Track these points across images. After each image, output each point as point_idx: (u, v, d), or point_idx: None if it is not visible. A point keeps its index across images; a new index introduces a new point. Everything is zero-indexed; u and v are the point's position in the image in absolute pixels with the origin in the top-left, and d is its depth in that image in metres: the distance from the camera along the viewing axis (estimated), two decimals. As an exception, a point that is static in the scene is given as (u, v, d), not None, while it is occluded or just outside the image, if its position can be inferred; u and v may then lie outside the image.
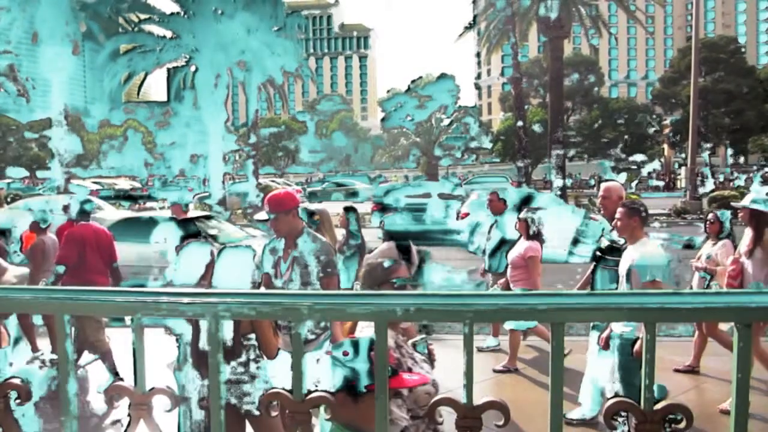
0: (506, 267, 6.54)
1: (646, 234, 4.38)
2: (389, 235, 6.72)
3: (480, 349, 6.85)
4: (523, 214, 6.47)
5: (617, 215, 4.44)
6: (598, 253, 4.99)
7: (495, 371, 6.25)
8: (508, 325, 5.99)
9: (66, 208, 6.15)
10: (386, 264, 2.57)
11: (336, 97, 78.13)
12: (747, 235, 5.50)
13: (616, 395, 3.54)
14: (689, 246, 9.47)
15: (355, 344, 1.66)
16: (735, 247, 5.80)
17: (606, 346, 4.38)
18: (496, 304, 1.36)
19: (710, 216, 6.44)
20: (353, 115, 77.47)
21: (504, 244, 6.93)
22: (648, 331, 1.29)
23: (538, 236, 6.28)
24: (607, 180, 5.66)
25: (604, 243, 4.96)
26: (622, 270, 4.35)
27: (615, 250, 4.69)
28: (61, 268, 5.32)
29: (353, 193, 32.73)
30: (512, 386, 5.88)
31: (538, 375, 6.02)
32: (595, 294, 1.34)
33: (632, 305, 1.28)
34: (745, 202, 5.52)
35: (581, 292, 1.31)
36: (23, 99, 25.43)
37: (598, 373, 4.66)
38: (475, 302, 1.33)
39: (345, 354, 1.66)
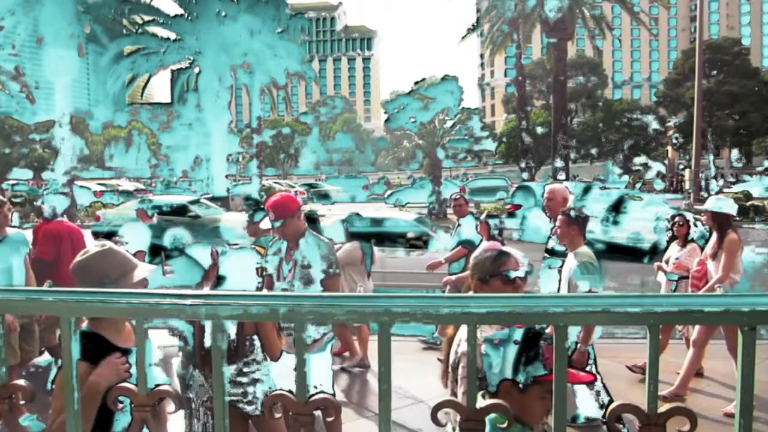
0: (465, 267, 6.62)
1: (584, 242, 4.45)
2: (351, 235, 6.82)
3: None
4: (483, 217, 6.63)
5: (557, 222, 4.50)
6: (545, 254, 5.07)
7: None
8: None
9: (40, 208, 6.20)
10: (496, 256, 2.56)
11: (339, 99, 78.17)
12: (712, 238, 5.60)
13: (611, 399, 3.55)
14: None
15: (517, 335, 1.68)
16: (702, 250, 5.86)
17: None
18: (499, 306, 1.36)
19: (678, 218, 6.45)
20: (356, 117, 77.50)
21: (465, 243, 7.02)
22: (651, 334, 1.28)
23: (498, 238, 6.37)
24: (552, 183, 5.81)
25: (551, 244, 5.06)
26: (564, 275, 4.44)
27: (560, 252, 4.77)
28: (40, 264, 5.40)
29: (324, 195, 32.84)
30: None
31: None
32: (598, 296, 1.34)
33: (634, 308, 1.28)
34: (708, 205, 5.63)
35: (585, 294, 1.31)
36: (27, 101, 25.52)
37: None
38: (479, 304, 1.33)
39: (515, 343, 1.67)
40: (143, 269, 2.35)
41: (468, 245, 6.76)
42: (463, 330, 2.44)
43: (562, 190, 5.45)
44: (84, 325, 2.23)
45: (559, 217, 4.54)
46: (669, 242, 6.61)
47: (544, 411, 1.79)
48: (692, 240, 6.20)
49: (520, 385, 1.70)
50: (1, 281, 4.74)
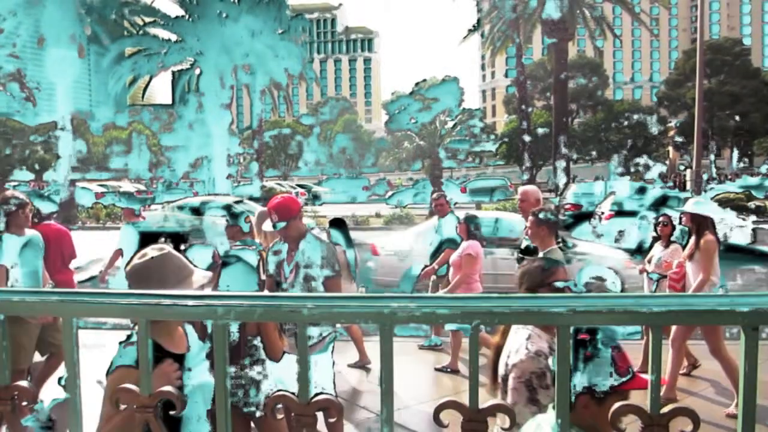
0: (448, 268, 6.66)
1: (554, 241, 4.51)
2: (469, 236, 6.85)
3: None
4: (463, 216, 6.65)
5: (528, 223, 4.55)
6: (518, 254, 5.11)
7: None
8: (450, 326, 6.04)
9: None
10: (546, 266, 2.57)
11: (340, 100, 78.19)
12: (691, 239, 5.66)
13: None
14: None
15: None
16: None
17: None
18: (504, 306, 1.36)
19: (661, 218, 6.46)
20: (357, 118, 77.51)
21: (447, 242, 7.05)
22: (654, 334, 1.28)
23: (477, 237, 6.43)
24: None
25: (524, 244, 5.12)
26: None
27: (533, 252, 4.82)
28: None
29: (314, 197, 32.66)
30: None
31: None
32: (601, 296, 1.34)
33: (637, 308, 1.27)
34: (687, 207, 5.69)
35: (587, 294, 1.32)
36: (29, 102, 25.55)
37: None
38: (481, 305, 1.33)
39: (587, 355, 1.66)
40: (199, 275, 2.32)
41: (452, 245, 6.83)
42: (513, 340, 2.40)
43: (535, 191, 5.62)
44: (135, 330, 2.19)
45: (530, 217, 4.62)
46: (653, 242, 6.65)
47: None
48: (675, 240, 6.23)
49: (598, 397, 1.68)
50: (29, 284, 4.74)
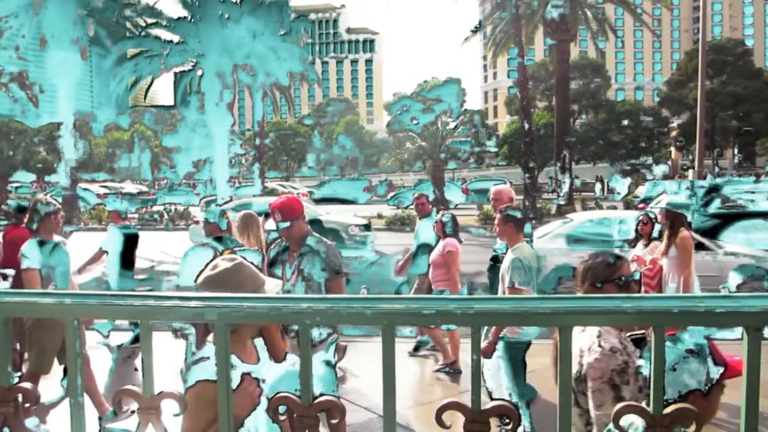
0: (428, 268, 6.71)
1: (522, 238, 4.56)
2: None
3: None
4: (438, 216, 6.72)
5: (496, 221, 4.63)
6: (493, 253, 5.15)
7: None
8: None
9: (8, 214, 6.22)
10: (611, 261, 2.51)
11: (342, 101, 78.22)
12: (665, 236, 5.73)
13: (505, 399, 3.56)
14: None
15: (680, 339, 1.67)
16: None
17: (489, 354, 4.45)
18: (503, 307, 1.36)
19: (642, 217, 6.48)
20: (359, 119, 77.54)
21: (423, 246, 7.10)
22: (656, 335, 1.28)
23: (455, 235, 6.48)
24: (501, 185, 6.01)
25: (499, 244, 5.21)
26: (502, 271, 4.55)
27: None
28: (10, 271, 5.41)
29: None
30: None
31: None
32: (602, 297, 1.33)
33: (639, 309, 1.27)
34: (663, 204, 5.73)
35: (588, 295, 1.30)
36: (31, 104, 25.60)
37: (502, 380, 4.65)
38: (482, 306, 1.32)
39: (690, 352, 1.65)
40: (272, 284, 2.31)
41: (426, 249, 6.90)
42: (580, 338, 2.33)
43: (508, 190, 5.72)
44: (210, 341, 2.15)
45: (497, 215, 4.68)
46: (635, 241, 6.67)
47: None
48: (656, 238, 6.24)
49: (705, 390, 1.66)
50: (62, 284, 4.87)
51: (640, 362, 2.07)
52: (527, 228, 5.42)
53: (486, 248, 8.08)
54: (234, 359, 2.02)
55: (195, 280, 2.25)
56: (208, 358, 1.98)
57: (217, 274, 2.20)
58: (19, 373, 4.46)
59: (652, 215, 6.35)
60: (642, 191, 19.92)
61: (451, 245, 6.37)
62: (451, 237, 6.45)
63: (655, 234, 6.28)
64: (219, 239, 5.36)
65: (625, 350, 2.25)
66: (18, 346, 5.02)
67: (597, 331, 2.34)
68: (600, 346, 2.30)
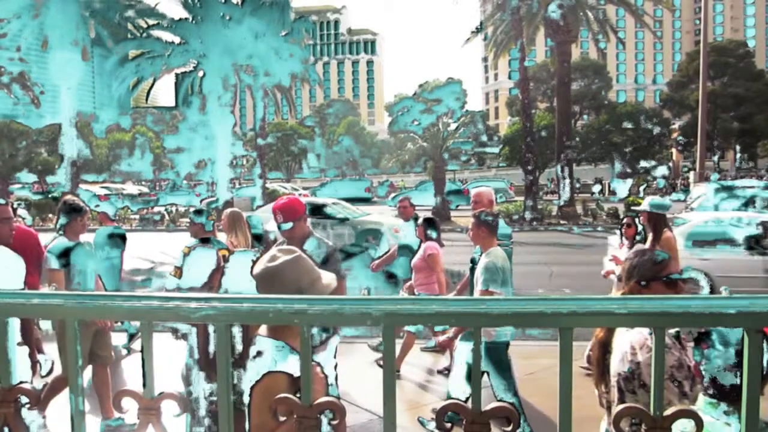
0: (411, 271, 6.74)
1: (495, 242, 4.64)
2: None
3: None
4: (420, 220, 6.72)
5: (470, 225, 4.70)
6: (473, 256, 5.18)
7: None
8: (409, 327, 6.10)
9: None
10: (657, 259, 2.45)
11: (343, 102, 78.24)
12: (649, 238, 5.71)
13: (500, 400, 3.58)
14: None
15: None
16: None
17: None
18: (503, 308, 1.36)
19: (626, 219, 6.50)
20: (360, 120, 77.55)
21: (404, 249, 7.16)
22: (657, 336, 1.28)
23: (437, 239, 6.50)
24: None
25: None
26: (477, 274, 4.60)
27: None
28: None
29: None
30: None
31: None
32: (603, 298, 1.33)
33: (640, 310, 1.27)
34: (644, 205, 5.74)
35: (588, 296, 1.30)
36: (33, 105, 25.63)
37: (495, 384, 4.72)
38: (482, 307, 1.32)
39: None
40: (329, 277, 2.31)
41: (406, 251, 6.91)
42: (628, 335, 2.27)
43: (489, 193, 5.71)
44: (263, 333, 2.14)
45: (471, 219, 4.73)
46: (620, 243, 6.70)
47: None
48: (640, 241, 6.26)
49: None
50: (87, 285, 4.90)
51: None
52: (507, 230, 5.52)
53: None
54: (288, 349, 2.06)
55: (251, 272, 2.24)
56: (263, 352, 2.01)
57: (277, 267, 2.19)
58: (43, 381, 4.45)
59: (635, 218, 6.39)
60: (698, 192, 19.70)
61: (432, 248, 6.39)
62: (433, 240, 6.47)
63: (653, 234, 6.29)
64: (205, 240, 5.36)
65: (675, 346, 2.20)
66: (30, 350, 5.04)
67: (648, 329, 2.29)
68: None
